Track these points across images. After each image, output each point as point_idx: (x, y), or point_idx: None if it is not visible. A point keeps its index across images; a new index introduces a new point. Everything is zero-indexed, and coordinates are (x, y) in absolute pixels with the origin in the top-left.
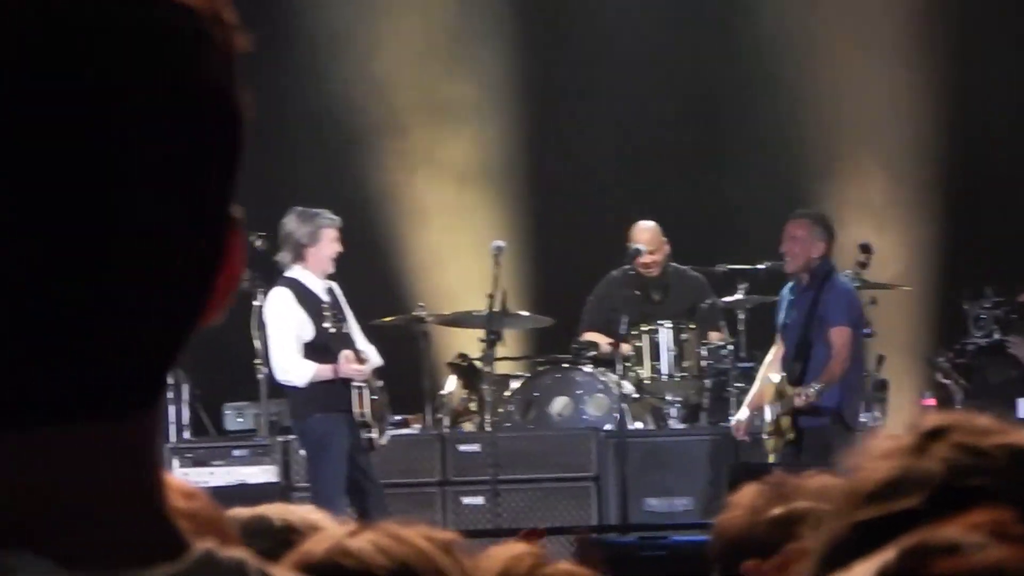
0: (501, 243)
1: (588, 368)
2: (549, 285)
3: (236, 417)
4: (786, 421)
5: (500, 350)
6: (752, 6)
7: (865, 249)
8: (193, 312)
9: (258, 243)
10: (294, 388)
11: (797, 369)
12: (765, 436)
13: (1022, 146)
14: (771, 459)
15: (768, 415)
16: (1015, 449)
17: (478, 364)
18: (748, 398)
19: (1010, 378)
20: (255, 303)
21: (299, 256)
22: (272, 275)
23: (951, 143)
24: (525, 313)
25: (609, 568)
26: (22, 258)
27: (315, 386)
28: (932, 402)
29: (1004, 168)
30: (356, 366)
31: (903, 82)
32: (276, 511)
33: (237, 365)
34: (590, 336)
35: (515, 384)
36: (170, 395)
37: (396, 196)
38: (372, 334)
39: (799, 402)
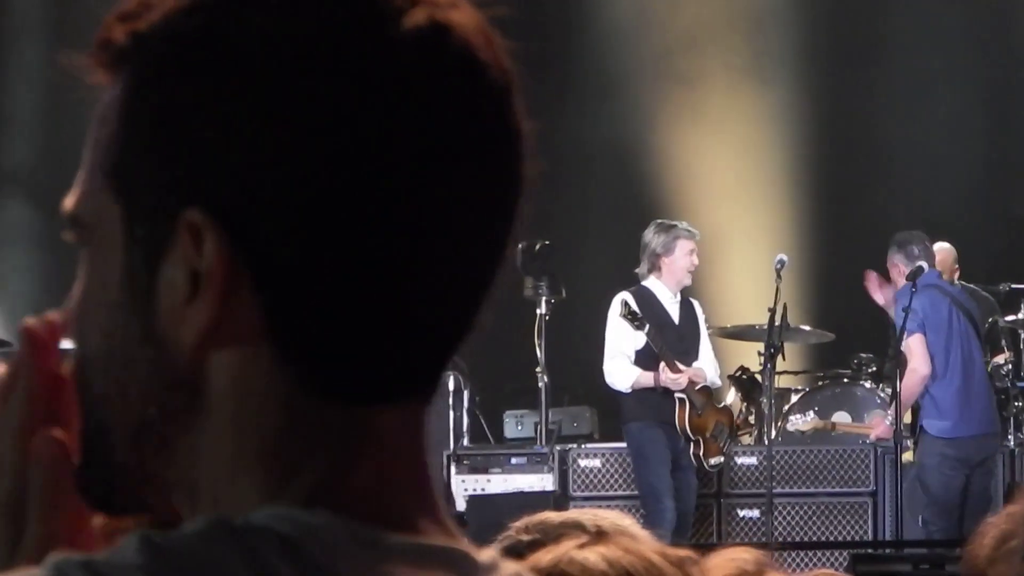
0: (784, 257)
1: (868, 384)
2: (830, 300)
3: (516, 425)
4: None
5: (780, 364)
6: None
7: None
8: (472, 324)
9: (538, 247)
10: (621, 393)
11: None
12: None
13: None
14: None
15: None
16: None
17: (758, 377)
18: None
19: None
20: (539, 311)
21: (654, 267)
22: (556, 283)
23: None
24: (806, 327)
25: None
26: (444, 275)
27: (638, 393)
28: None
29: None
30: (671, 376)
31: None
32: (588, 516)
33: (519, 373)
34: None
35: (795, 398)
36: (451, 401)
37: (676, 210)
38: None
39: None
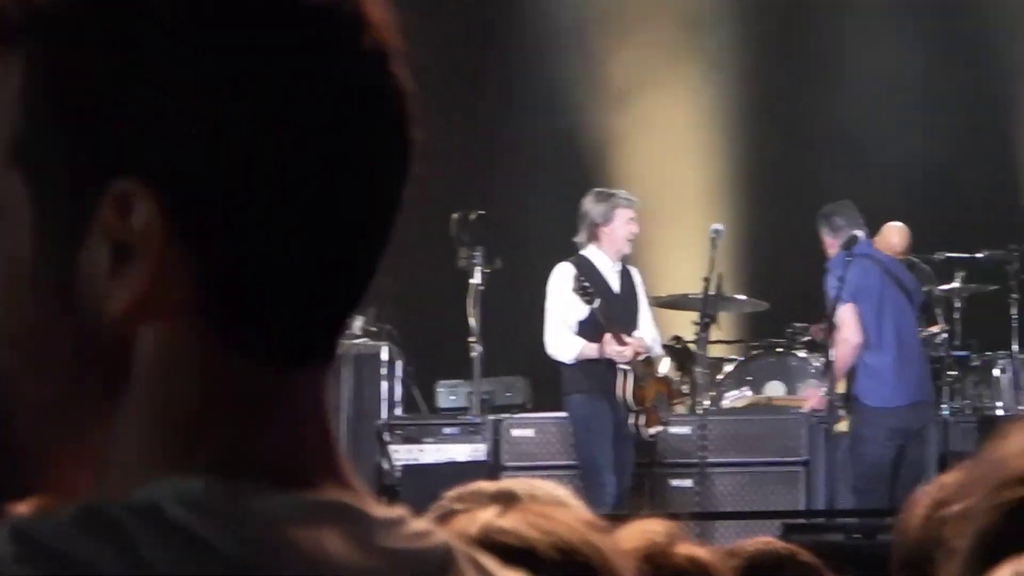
0: (719, 226)
1: (802, 353)
2: (765, 269)
3: (449, 395)
4: None
5: (714, 333)
6: None
7: None
8: (369, 287)
9: (472, 217)
10: (563, 364)
11: None
12: None
13: None
14: None
15: None
16: None
17: (692, 347)
18: None
19: None
20: (472, 281)
21: (593, 236)
22: (490, 253)
23: None
24: (740, 297)
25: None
26: (347, 244)
27: (582, 364)
28: None
29: None
30: (616, 347)
31: None
32: (522, 485)
33: (453, 343)
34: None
35: (728, 367)
36: (384, 372)
37: (613, 175)
38: None
39: None
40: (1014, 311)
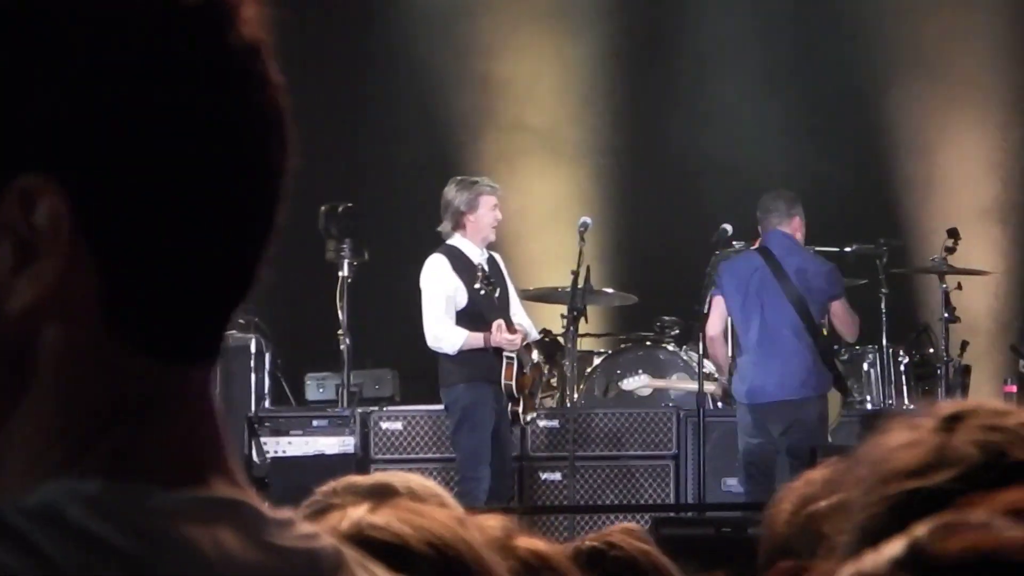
0: (587, 219)
1: (671, 346)
2: (633, 262)
3: (317, 387)
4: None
5: (583, 326)
6: None
7: (952, 234)
8: (252, 284)
9: (340, 210)
10: (445, 355)
11: None
12: None
13: None
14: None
15: None
16: None
17: (560, 340)
18: None
19: None
20: (340, 274)
21: (458, 224)
22: (358, 246)
23: None
24: (609, 290)
25: (684, 549)
26: (235, 241)
27: (464, 355)
28: (1013, 389)
29: None
30: (507, 336)
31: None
32: (399, 479)
33: (320, 335)
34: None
35: (597, 361)
36: (252, 364)
37: (482, 169)
38: None
39: None
40: (883, 305)
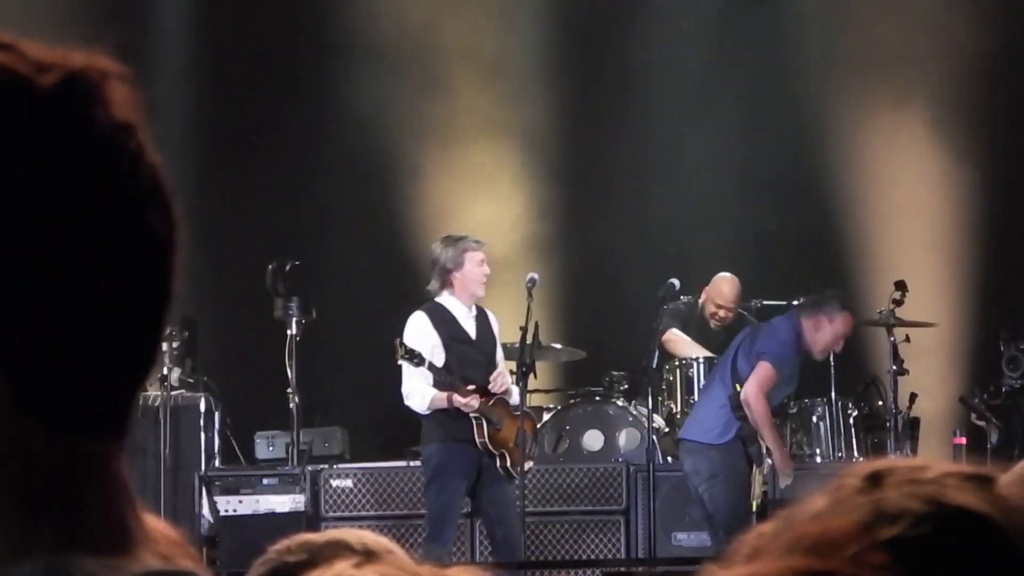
0: (535, 275)
1: (620, 402)
2: (581, 318)
3: (267, 445)
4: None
5: (532, 382)
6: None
7: (900, 286)
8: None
9: (288, 268)
10: (420, 414)
11: None
12: None
13: None
14: None
15: None
16: (954, 473)
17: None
18: None
19: None
20: (289, 332)
21: (445, 282)
22: (306, 303)
23: (986, 182)
24: (557, 346)
25: None
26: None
27: (437, 414)
28: (962, 441)
29: None
30: (460, 399)
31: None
32: (354, 536)
33: (270, 393)
34: (673, 334)
35: (546, 416)
36: (202, 423)
37: (427, 221)
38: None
39: None
40: (831, 357)
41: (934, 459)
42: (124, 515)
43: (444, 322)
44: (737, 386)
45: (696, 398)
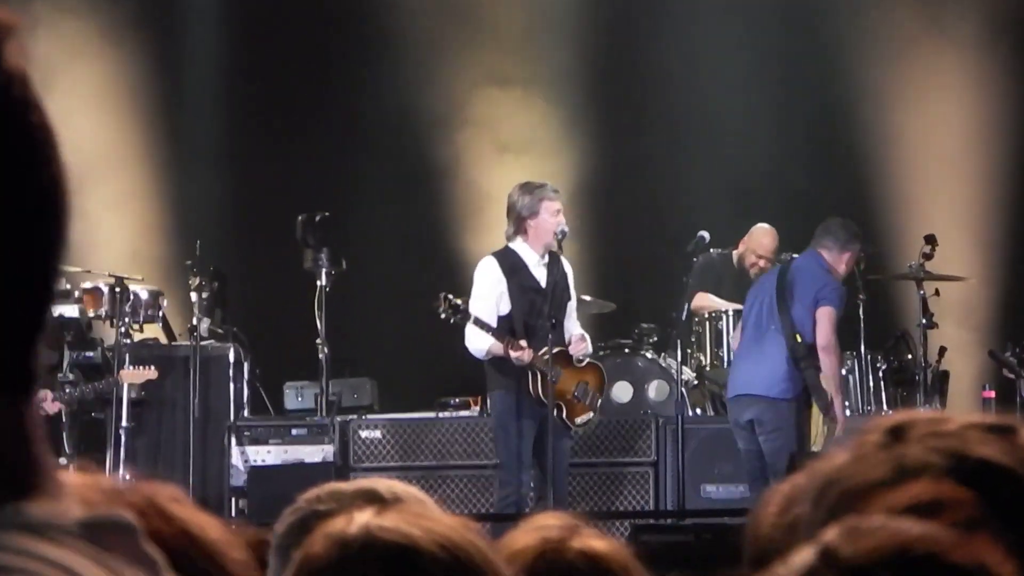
0: (565, 227)
1: (649, 354)
2: (611, 270)
3: (296, 396)
4: None
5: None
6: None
7: (930, 240)
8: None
9: (317, 219)
10: (485, 361)
11: None
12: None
13: None
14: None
15: None
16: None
17: None
18: None
19: None
20: (319, 283)
21: (519, 229)
22: (336, 255)
23: (1020, 136)
24: (587, 298)
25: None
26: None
27: (499, 362)
28: (991, 394)
29: None
30: (513, 353)
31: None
32: (384, 485)
33: (299, 345)
34: (702, 298)
35: None
36: (231, 374)
37: (458, 176)
38: (434, 316)
39: None
40: (861, 312)
41: (956, 412)
42: (48, 467)
43: (513, 268)
44: (797, 336)
45: (726, 351)
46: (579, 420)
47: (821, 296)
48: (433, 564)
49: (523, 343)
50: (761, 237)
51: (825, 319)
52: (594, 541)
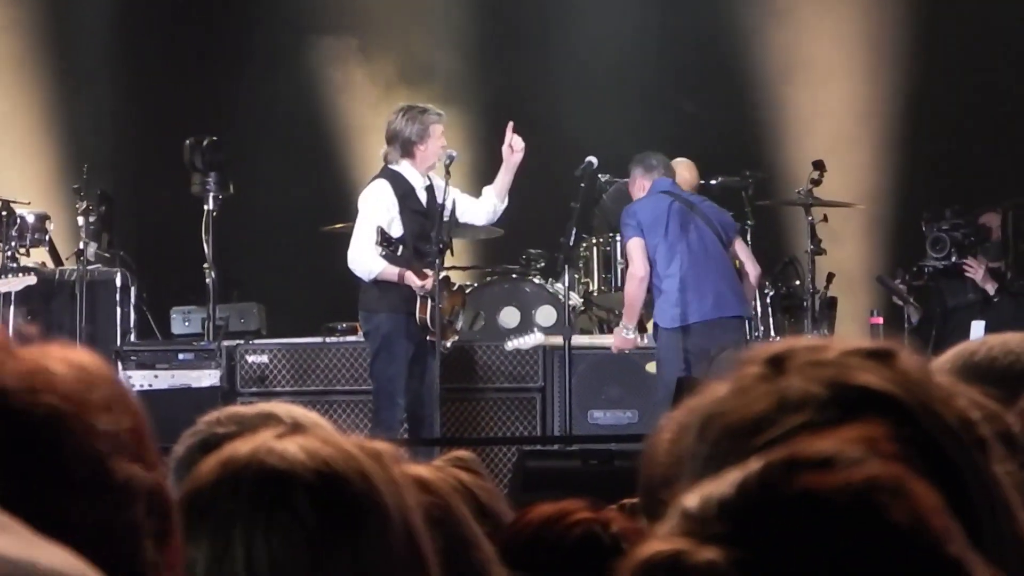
0: (453, 152)
1: (537, 279)
2: None
3: (183, 321)
4: None
5: (448, 260)
6: None
7: (818, 166)
8: None
9: (205, 143)
10: (369, 282)
11: None
12: None
13: (986, 70)
14: None
15: None
16: (854, 351)
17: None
18: None
19: (966, 301)
20: (206, 207)
21: (407, 153)
22: (224, 179)
23: (916, 62)
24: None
25: (551, 481)
26: None
27: (387, 284)
28: (879, 320)
29: (968, 94)
30: (416, 281)
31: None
32: (283, 409)
33: (186, 269)
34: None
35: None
36: (118, 298)
37: (349, 101)
38: (322, 241)
39: None
40: (749, 238)
41: (836, 338)
42: None
43: (404, 191)
44: (737, 262)
45: (615, 276)
46: (448, 343)
47: (732, 228)
48: (302, 491)
49: (428, 271)
50: (683, 172)
51: (749, 250)
52: (418, 468)
